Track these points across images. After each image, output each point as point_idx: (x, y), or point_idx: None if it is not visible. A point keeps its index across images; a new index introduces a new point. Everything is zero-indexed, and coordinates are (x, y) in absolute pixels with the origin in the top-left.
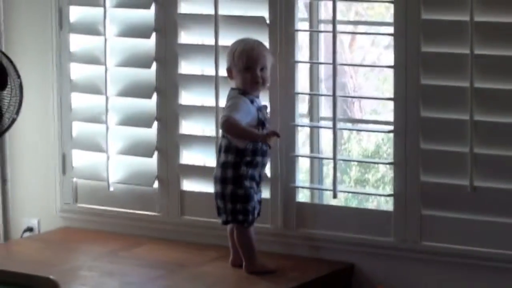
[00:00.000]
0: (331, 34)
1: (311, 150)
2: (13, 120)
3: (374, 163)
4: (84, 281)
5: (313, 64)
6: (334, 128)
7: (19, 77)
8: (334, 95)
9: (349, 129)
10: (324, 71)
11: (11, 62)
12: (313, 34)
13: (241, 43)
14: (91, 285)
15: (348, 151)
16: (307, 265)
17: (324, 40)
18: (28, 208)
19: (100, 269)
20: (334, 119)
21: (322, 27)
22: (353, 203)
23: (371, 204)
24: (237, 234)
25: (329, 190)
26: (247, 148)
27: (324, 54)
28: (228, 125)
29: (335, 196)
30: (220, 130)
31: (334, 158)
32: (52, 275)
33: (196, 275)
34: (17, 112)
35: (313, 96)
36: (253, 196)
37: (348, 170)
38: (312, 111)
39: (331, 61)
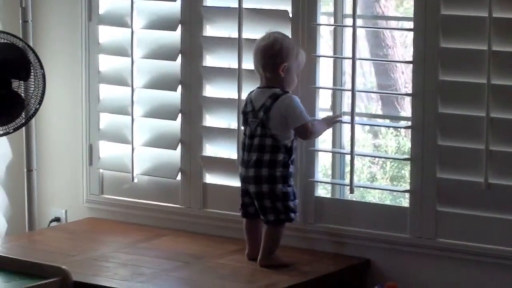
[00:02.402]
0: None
1: (333, 145)
2: (36, 110)
3: (392, 158)
4: (97, 271)
5: (336, 58)
6: (352, 122)
7: (42, 67)
8: (353, 90)
9: (366, 124)
10: (369, 68)
11: (34, 52)
12: (337, 28)
13: (294, 42)
14: (103, 275)
15: (385, 147)
16: (323, 260)
17: (366, 35)
18: (56, 198)
19: (117, 260)
20: (352, 113)
21: (346, 21)
22: (388, 200)
23: (405, 201)
24: (274, 230)
25: (346, 185)
26: (293, 146)
27: (366, 49)
28: (311, 133)
29: (352, 191)
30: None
31: (352, 153)
32: (69, 264)
33: (210, 268)
34: (40, 102)
35: (336, 91)
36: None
37: (384, 166)
38: (335, 106)
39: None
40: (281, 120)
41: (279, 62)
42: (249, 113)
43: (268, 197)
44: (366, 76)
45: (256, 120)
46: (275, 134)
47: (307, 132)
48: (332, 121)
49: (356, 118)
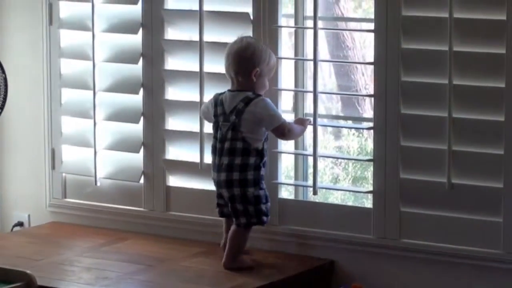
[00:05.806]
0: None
1: (296, 147)
2: None
3: (354, 159)
4: (62, 275)
5: (298, 60)
6: (314, 124)
7: (3, 72)
8: (314, 92)
9: (328, 126)
10: (330, 69)
11: None
12: (298, 30)
13: (266, 47)
14: (68, 279)
15: (348, 148)
16: (288, 262)
17: (326, 37)
18: (18, 202)
19: (81, 264)
20: (314, 115)
21: (307, 23)
22: (350, 201)
23: (368, 202)
24: (239, 233)
25: (309, 186)
26: (264, 148)
27: (326, 51)
28: (289, 131)
29: (315, 193)
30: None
31: (314, 154)
32: (33, 269)
33: (173, 270)
34: (2, 107)
35: (298, 93)
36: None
37: (347, 167)
38: (297, 107)
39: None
40: (254, 123)
41: (251, 67)
42: (220, 116)
43: (240, 200)
44: (326, 78)
45: (227, 124)
46: (247, 137)
47: (285, 131)
48: (305, 122)
49: (318, 120)
